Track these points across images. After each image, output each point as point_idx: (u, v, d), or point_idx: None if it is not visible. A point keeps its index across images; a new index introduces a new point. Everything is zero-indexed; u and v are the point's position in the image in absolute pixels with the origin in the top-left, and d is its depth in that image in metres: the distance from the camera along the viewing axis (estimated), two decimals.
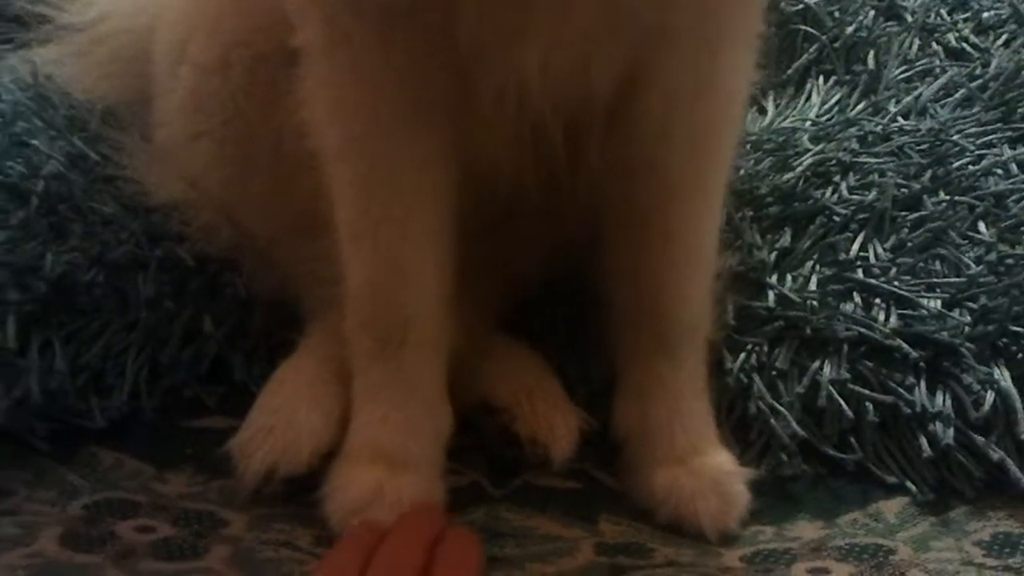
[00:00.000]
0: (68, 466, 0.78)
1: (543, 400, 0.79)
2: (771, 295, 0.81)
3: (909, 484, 0.75)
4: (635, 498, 0.75)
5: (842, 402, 0.76)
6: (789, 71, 1.08)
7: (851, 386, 0.76)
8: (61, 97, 0.94)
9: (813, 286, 0.82)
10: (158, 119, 0.90)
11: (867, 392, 0.76)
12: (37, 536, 0.71)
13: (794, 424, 0.76)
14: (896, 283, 0.81)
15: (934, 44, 1.10)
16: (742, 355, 0.79)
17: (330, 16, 0.71)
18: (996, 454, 0.74)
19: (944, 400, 0.76)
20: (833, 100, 1.03)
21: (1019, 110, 1.00)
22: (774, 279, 0.82)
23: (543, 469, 0.77)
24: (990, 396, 0.76)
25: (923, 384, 0.76)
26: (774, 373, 0.77)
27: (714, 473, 0.74)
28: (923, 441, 0.75)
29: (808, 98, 1.05)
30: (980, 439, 0.75)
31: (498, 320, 0.85)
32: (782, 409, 0.76)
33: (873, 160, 0.92)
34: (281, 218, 0.83)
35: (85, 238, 0.82)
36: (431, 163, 0.72)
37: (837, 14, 1.11)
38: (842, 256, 0.84)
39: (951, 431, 0.75)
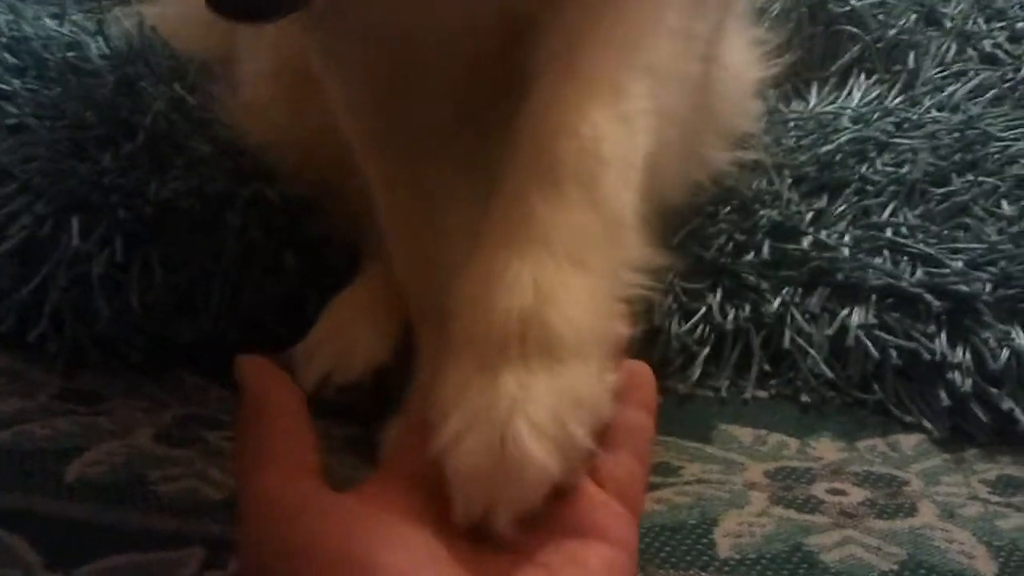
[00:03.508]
0: (158, 384, 0.85)
1: None
2: (805, 241, 0.88)
3: (926, 423, 0.81)
4: None
5: (869, 344, 0.82)
6: (833, 67, 1.15)
7: (877, 332, 0.83)
8: (163, 48, 1.02)
9: (846, 240, 0.88)
10: (242, 80, 0.98)
11: (891, 339, 0.83)
12: (132, 432, 0.78)
13: (822, 364, 0.83)
14: (923, 245, 0.87)
15: (970, 49, 1.17)
16: (778, 293, 0.85)
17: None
18: (1007, 404, 0.80)
19: (964, 352, 0.82)
20: (873, 95, 1.10)
21: None
22: (810, 231, 0.89)
23: None
24: (1005, 352, 0.81)
25: (944, 336, 0.83)
26: (807, 315, 0.84)
27: None
28: (941, 390, 0.81)
29: (849, 93, 1.12)
30: (994, 390, 0.81)
31: None
32: (811, 350, 0.83)
33: (907, 141, 0.99)
34: (343, 183, 0.88)
35: (184, 172, 0.89)
36: (447, 159, 0.75)
37: (881, 17, 1.17)
38: (874, 219, 0.90)
39: (969, 381, 0.81)
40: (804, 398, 0.82)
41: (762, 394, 0.84)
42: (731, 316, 0.86)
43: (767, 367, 0.84)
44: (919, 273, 0.86)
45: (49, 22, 1.07)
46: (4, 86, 0.97)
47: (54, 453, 0.75)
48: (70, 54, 1.01)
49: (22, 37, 1.03)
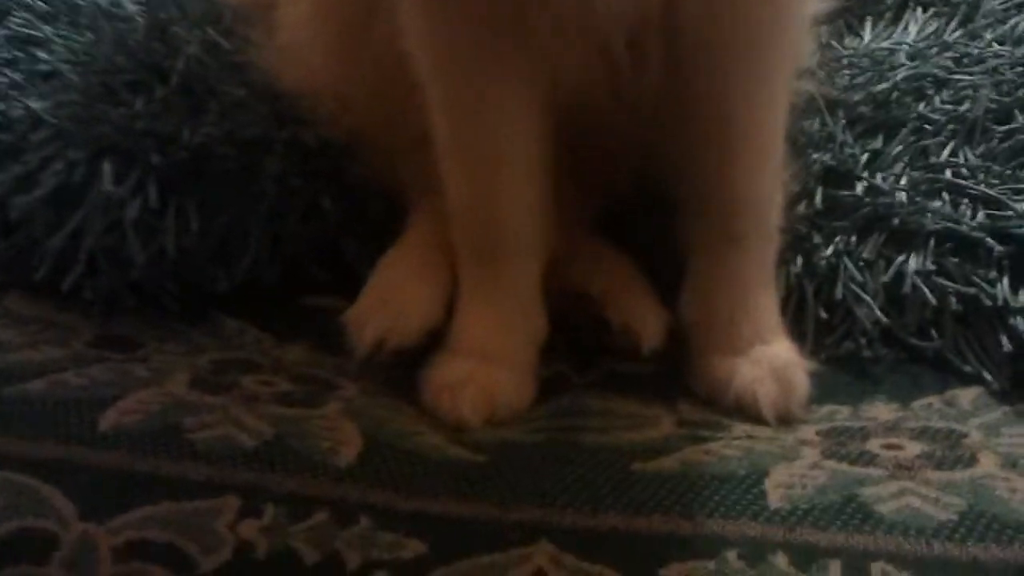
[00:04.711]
0: (195, 328, 0.84)
1: (635, 294, 0.83)
2: (860, 186, 0.85)
3: (985, 374, 0.78)
4: (697, 385, 0.78)
5: (926, 291, 0.79)
6: (887, 2, 1.10)
7: (935, 278, 0.80)
8: None
9: (903, 183, 0.85)
10: (282, 21, 0.96)
11: (950, 284, 0.79)
12: (167, 379, 0.77)
13: (877, 311, 0.79)
14: (984, 186, 0.84)
15: None
16: (831, 242, 0.82)
17: None
18: None
19: None
20: (930, 30, 1.05)
21: None
22: (865, 174, 0.86)
23: (631, 357, 0.80)
24: None
25: (1006, 280, 0.79)
26: (860, 263, 0.81)
27: (775, 361, 0.76)
28: (1003, 336, 0.78)
29: (905, 27, 1.07)
30: None
31: (593, 223, 0.89)
32: (866, 296, 0.80)
33: (967, 78, 0.95)
34: (387, 127, 0.87)
35: (219, 116, 0.87)
36: (515, 84, 0.76)
37: None
38: (932, 160, 0.87)
39: None
40: (862, 352, 0.79)
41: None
42: (783, 270, 0.82)
43: (823, 314, 0.81)
44: (980, 216, 0.82)
45: None
46: (36, 33, 0.96)
47: (88, 402, 0.73)
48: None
49: None
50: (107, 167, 0.83)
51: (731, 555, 0.61)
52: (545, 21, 0.74)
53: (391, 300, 0.81)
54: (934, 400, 0.77)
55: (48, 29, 0.96)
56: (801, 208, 0.85)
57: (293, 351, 0.82)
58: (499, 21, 0.74)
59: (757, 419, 0.74)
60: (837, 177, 0.87)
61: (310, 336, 0.84)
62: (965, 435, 0.73)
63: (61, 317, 0.84)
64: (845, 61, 0.99)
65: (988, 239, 0.80)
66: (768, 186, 0.79)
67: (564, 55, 0.77)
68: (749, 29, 0.75)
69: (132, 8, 0.98)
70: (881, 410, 0.76)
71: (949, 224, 0.82)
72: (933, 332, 0.80)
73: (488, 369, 0.76)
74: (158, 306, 0.85)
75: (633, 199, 0.89)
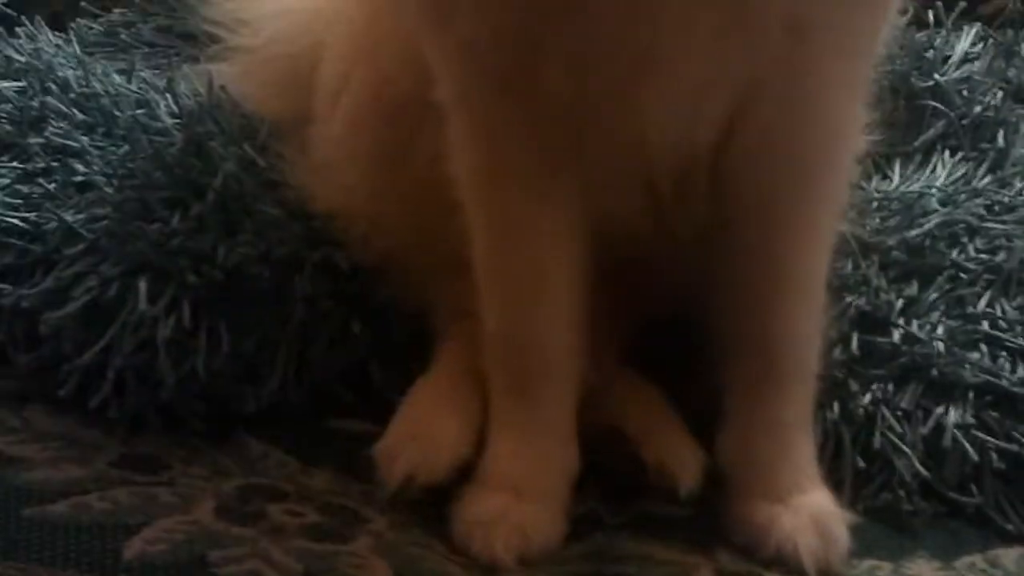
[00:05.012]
0: (220, 450, 0.83)
1: (671, 432, 0.82)
2: (896, 333, 0.84)
3: None
4: (735, 530, 0.77)
5: (966, 445, 0.78)
6: (916, 143, 1.11)
7: (975, 432, 0.79)
8: (233, 107, 1.00)
9: (940, 333, 0.84)
10: (317, 139, 0.96)
11: (991, 439, 0.79)
12: (193, 506, 0.75)
13: (916, 463, 0.78)
14: (1022, 339, 0.84)
15: None
16: (868, 390, 0.81)
17: (454, 74, 0.76)
18: None
19: None
20: (959, 173, 1.05)
21: None
22: (901, 321, 0.85)
23: (667, 498, 0.79)
24: None
25: None
26: (899, 413, 0.80)
27: (815, 511, 0.76)
28: None
29: (934, 170, 1.07)
30: None
31: (625, 354, 0.88)
32: (905, 448, 0.79)
33: (999, 226, 0.95)
34: (422, 251, 0.88)
35: (254, 236, 0.87)
36: (559, 213, 0.76)
37: (966, 92, 1.13)
38: (969, 309, 0.86)
39: None
40: (902, 505, 0.78)
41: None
42: (820, 416, 0.81)
43: (860, 464, 0.80)
44: (1019, 370, 0.82)
45: (118, 78, 1.05)
46: (72, 143, 0.95)
47: (112, 528, 0.72)
48: (139, 112, 0.99)
49: (91, 94, 1.01)
50: (142, 285, 0.83)
51: None
52: (595, 156, 0.75)
53: (421, 434, 0.80)
54: (977, 559, 0.76)
55: (85, 139, 0.95)
56: (837, 353, 0.84)
57: (320, 477, 0.81)
58: (550, 155, 0.75)
59: (797, 570, 0.73)
60: (872, 323, 0.86)
61: (336, 460, 0.82)
62: None
63: (84, 433, 0.83)
64: (875, 203, 0.99)
65: None
66: (809, 328, 0.78)
67: (610, 187, 0.77)
68: (798, 172, 0.76)
69: (168, 121, 0.98)
70: (923, 568, 0.75)
71: (988, 377, 0.81)
72: (973, 487, 0.79)
73: (520, 505, 0.75)
74: (183, 425, 0.84)
75: (668, 329, 0.89)
